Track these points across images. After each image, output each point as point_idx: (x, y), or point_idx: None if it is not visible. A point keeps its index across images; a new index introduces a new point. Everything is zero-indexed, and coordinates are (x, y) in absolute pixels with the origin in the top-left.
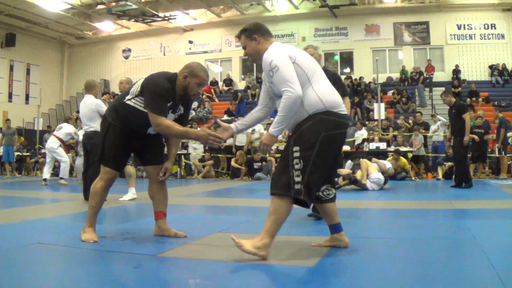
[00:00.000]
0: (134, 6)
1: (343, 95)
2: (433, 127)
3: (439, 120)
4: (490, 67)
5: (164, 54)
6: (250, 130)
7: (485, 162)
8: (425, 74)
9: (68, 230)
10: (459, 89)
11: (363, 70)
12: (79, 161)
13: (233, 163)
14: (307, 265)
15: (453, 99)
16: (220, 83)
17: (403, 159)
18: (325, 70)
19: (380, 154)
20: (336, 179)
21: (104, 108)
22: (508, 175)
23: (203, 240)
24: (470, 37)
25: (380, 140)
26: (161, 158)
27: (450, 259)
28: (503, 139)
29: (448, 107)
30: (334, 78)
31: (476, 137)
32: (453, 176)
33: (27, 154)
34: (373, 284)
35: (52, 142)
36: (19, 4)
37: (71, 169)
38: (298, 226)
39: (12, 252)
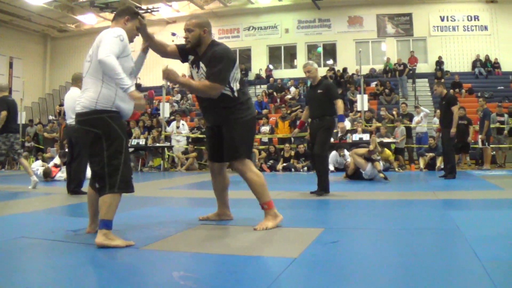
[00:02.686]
0: None
1: (335, 98)
2: (416, 118)
3: (422, 111)
4: (473, 62)
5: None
6: None
7: (468, 153)
8: (408, 66)
9: (51, 224)
10: (443, 80)
11: (346, 61)
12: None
13: None
14: (291, 256)
15: (445, 91)
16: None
17: (387, 151)
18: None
19: (364, 145)
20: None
21: None
22: (492, 165)
23: (186, 233)
24: (453, 28)
25: (363, 131)
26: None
27: (435, 250)
28: (486, 131)
29: (439, 99)
30: (327, 87)
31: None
32: (437, 167)
33: None
34: (356, 276)
35: None
36: None
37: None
38: (284, 216)
39: None
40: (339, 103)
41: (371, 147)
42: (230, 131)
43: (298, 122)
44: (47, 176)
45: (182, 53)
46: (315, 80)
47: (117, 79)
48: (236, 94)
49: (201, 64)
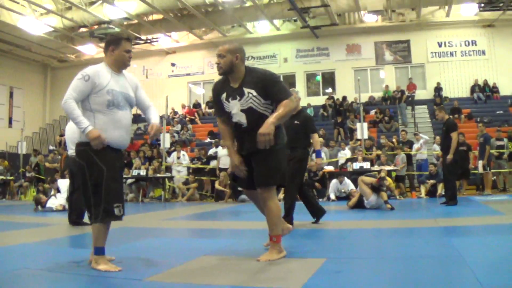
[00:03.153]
0: (116, 29)
1: (312, 131)
2: (416, 146)
3: (422, 138)
4: (472, 87)
5: (147, 77)
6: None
7: (468, 179)
8: (407, 93)
9: (54, 255)
10: (441, 106)
11: (345, 89)
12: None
13: (217, 185)
14: (293, 287)
15: (446, 116)
16: (203, 105)
17: (388, 179)
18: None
19: (364, 174)
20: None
21: None
22: (493, 190)
23: (188, 264)
24: (451, 54)
25: (364, 159)
26: None
27: (437, 278)
28: (487, 156)
29: (440, 125)
30: (305, 118)
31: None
32: (438, 194)
33: (11, 178)
34: None
35: None
36: (2, 27)
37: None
38: (285, 245)
39: None
40: (316, 137)
41: (382, 174)
42: (266, 157)
43: None
44: (38, 204)
45: (221, 108)
46: (295, 109)
47: (74, 123)
48: None
49: (246, 90)
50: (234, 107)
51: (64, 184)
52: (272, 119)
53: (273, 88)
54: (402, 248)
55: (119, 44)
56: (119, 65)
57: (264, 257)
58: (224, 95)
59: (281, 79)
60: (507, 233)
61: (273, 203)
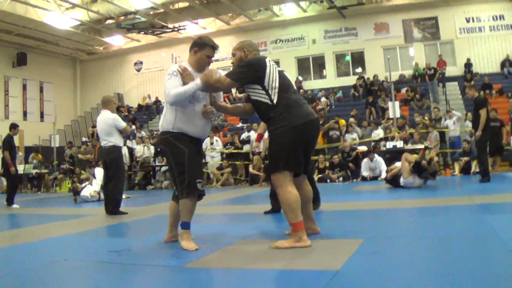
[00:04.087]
0: (143, 19)
1: None
2: (449, 122)
3: (454, 115)
4: (502, 62)
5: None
6: (266, 136)
7: (502, 155)
8: (438, 70)
9: (93, 245)
10: (472, 82)
11: (375, 69)
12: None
13: (251, 169)
14: (333, 268)
15: (476, 94)
16: (234, 90)
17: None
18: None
19: (399, 153)
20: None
21: (121, 122)
22: None
23: (226, 250)
24: (480, 29)
25: (400, 138)
26: None
27: (474, 256)
28: None
29: (471, 101)
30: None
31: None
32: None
33: (46, 171)
34: (401, 286)
35: None
36: (29, 23)
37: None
38: (321, 228)
39: (38, 270)
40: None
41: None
42: (270, 142)
43: (256, 135)
44: (76, 193)
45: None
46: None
47: (190, 93)
48: (275, 101)
49: None
50: (255, 94)
51: (100, 171)
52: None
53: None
54: (438, 226)
55: (203, 48)
56: (197, 66)
57: (277, 243)
58: None
59: (310, 61)
60: None
61: (281, 190)
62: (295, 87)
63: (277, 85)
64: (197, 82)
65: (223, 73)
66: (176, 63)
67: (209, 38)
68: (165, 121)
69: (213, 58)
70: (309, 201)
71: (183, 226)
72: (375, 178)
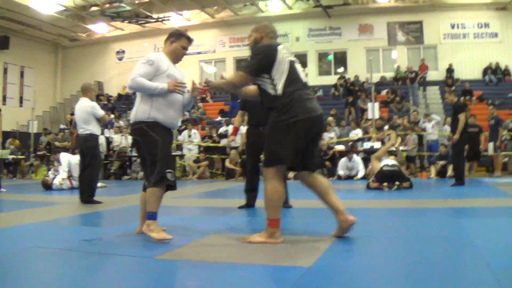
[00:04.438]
0: (127, 8)
1: None
2: (427, 125)
3: (433, 119)
4: (484, 70)
5: None
6: (244, 130)
7: (479, 161)
8: (419, 74)
9: (66, 233)
10: (453, 88)
11: (357, 69)
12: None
13: (227, 163)
14: (304, 265)
15: (455, 99)
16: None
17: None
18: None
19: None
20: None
21: (99, 111)
22: (504, 173)
23: (198, 242)
24: (464, 36)
25: (377, 140)
26: None
27: (446, 259)
28: (500, 138)
29: (450, 106)
30: None
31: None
32: (448, 175)
33: (22, 157)
34: (369, 285)
35: None
36: (13, 7)
37: None
38: (294, 225)
39: (10, 256)
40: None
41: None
42: (268, 135)
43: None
44: (47, 187)
45: None
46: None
47: (151, 91)
48: (280, 92)
49: None
50: (264, 83)
51: (65, 157)
52: (217, 82)
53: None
54: (411, 228)
55: (179, 39)
56: (172, 57)
57: (250, 238)
58: None
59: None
60: None
61: (269, 184)
62: (305, 80)
63: (285, 75)
64: (163, 86)
65: (205, 66)
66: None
67: (185, 31)
68: (139, 111)
69: (196, 52)
70: (327, 192)
71: (150, 216)
72: (350, 177)
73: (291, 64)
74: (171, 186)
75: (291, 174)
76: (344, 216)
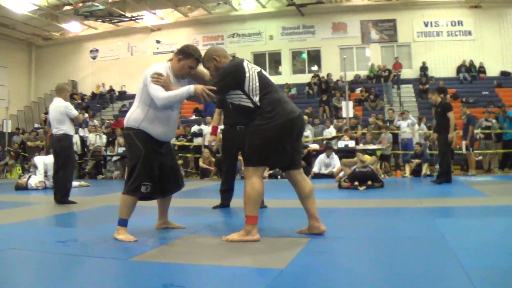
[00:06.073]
0: (101, 7)
1: None
2: (402, 124)
3: (410, 118)
4: (458, 68)
5: (132, 54)
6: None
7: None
8: (393, 72)
9: (40, 235)
10: (427, 86)
11: (331, 68)
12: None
13: (201, 163)
14: (278, 267)
15: (439, 99)
16: None
17: (367, 157)
18: None
19: (350, 152)
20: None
21: (73, 111)
22: (478, 171)
23: (173, 243)
24: (437, 34)
25: (351, 138)
26: None
27: (419, 259)
28: (471, 136)
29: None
30: None
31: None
32: (423, 173)
33: None
34: (343, 286)
35: None
36: None
37: None
38: (269, 225)
39: None
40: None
41: (359, 165)
42: (248, 137)
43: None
44: (21, 189)
45: None
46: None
47: (179, 98)
48: (258, 103)
49: None
50: (234, 98)
51: (40, 160)
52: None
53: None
54: (385, 228)
55: (188, 58)
56: (177, 73)
57: (228, 236)
58: None
59: (266, 57)
60: (489, 215)
61: (248, 182)
62: (275, 85)
63: (257, 86)
64: (190, 89)
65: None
66: (132, 53)
67: (196, 49)
68: (132, 118)
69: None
70: (308, 197)
71: (120, 222)
72: (328, 176)
73: (259, 74)
74: (147, 197)
75: (265, 173)
76: (317, 224)
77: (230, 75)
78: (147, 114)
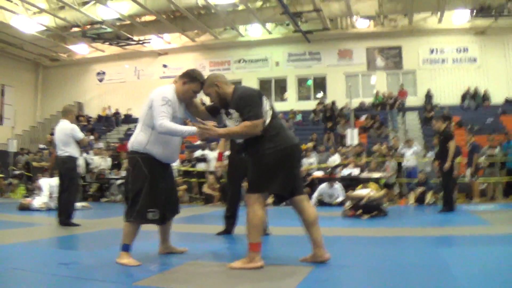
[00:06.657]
0: (109, 30)
1: None
2: (406, 152)
3: (415, 146)
4: (463, 95)
5: (138, 78)
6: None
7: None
8: (398, 99)
9: (43, 256)
10: (432, 113)
11: (336, 94)
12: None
13: (205, 188)
14: None
15: (443, 126)
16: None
17: (372, 185)
18: None
19: (353, 180)
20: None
21: (79, 133)
22: (483, 198)
23: (178, 269)
24: (443, 61)
25: (355, 166)
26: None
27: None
28: (475, 164)
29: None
30: None
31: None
32: (427, 202)
33: (0, 175)
34: None
35: None
36: None
37: None
38: (273, 252)
39: None
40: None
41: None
42: (251, 162)
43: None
44: (25, 209)
45: (211, 111)
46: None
47: (181, 134)
48: (267, 123)
49: (231, 111)
50: (229, 124)
51: (45, 182)
52: (223, 130)
53: (243, 110)
54: (390, 257)
55: (192, 82)
56: (181, 97)
57: (232, 264)
58: (223, 111)
59: (272, 83)
60: (491, 244)
61: (251, 209)
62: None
63: (269, 111)
64: (192, 129)
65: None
66: (138, 76)
67: (201, 74)
68: (136, 141)
69: (176, 75)
70: (313, 224)
71: (124, 248)
72: (330, 204)
73: (266, 99)
74: (155, 221)
75: (269, 200)
76: (321, 252)
77: (254, 102)
78: (150, 137)
